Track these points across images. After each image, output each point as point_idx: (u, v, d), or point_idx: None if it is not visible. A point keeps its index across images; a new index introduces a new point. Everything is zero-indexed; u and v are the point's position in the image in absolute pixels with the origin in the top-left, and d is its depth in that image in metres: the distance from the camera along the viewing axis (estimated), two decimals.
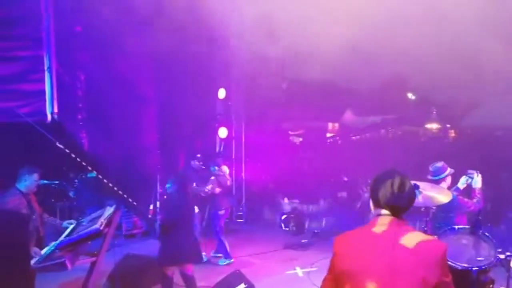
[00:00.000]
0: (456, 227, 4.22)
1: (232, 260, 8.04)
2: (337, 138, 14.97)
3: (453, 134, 13.83)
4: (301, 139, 14.14)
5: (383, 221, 2.52)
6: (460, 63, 8.30)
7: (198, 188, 7.95)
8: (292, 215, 10.32)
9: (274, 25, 8.97)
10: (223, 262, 8.01)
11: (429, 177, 5.21)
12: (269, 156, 11.15)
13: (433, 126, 13.65)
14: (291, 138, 13.93)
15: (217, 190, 8.01)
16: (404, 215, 2.55)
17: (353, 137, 14.86)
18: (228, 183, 8.15)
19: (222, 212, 8.05)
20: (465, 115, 12.38)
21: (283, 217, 10.45)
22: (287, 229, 10.26)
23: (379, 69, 8.93)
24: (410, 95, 13.03)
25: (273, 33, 9.23)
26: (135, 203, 8.91)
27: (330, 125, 14.92)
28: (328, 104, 11.77)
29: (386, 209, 2.51)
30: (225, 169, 8.39)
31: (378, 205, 2.54)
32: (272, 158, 11.14)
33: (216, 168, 8.22)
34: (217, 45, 10.12)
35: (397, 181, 2.53)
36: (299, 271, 7.66)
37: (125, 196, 8.45)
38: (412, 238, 2.49)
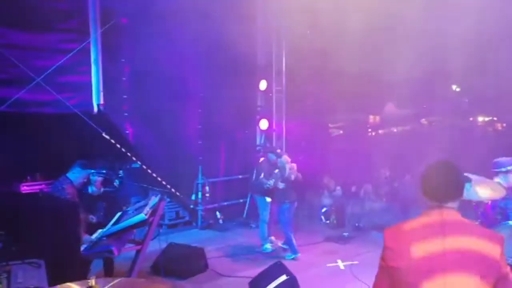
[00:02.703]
0: (510, 221, 4.06)
1: (298, 255, 7.95)
2: (378, 130, 14.73)
3: (500, 127, 13.38)
4: (341, 131, 13.97)
5: (435, 212, 2.46)
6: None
7: (262, 180, 8.05)
8: (333, 208, 10.24)
9: (316, 18, 8.92)
10: (289, 256, 7.94)
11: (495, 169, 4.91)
12: (309, 149, 11.09)
13: (479, 118, 13.26)
14: (331, 130, 13.79)
15: (281, 185, 7.93)
16: (457, 207, 2.49)
17: (395, 130, 14.59)
18: (293, 177, 7.96)
19: (286, 205, 7.95)
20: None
21: (324, 210, 10.38)
22: (327, 222, 10.19)
23: (421, 60, 8.76)
24: (455, 87, 12.69)
25: (315, 25, 9.18)
26: (177, 194, 9.06)
27: (371, 117, 14.68)
28: (369, 96, 11.60)
29: (433, 199, 2.46)
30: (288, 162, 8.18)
31: (426, 196, 2.51)
32: (313, 150, 11.07)
33: (274, 157, 8.21)
34: (259, 37, 10.17)
35: (440, 170, 2.51)
36: (340, 264, 7.60)
37: (168, 186, 8.60)
38: (469, 229, 2.43)
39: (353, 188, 11.01)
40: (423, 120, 14.20)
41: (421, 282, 2.34)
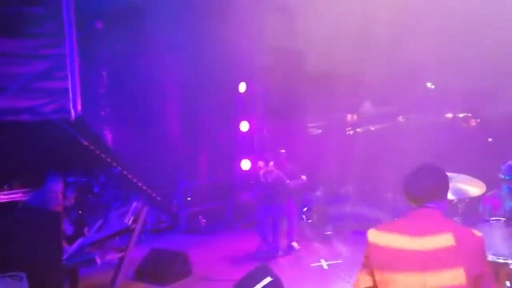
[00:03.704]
0: (491, 218, 4.16)
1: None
2: (356, 129, 14.86)
3: (474, 123, 13.62)
4: (320, 131, 14.06)
5: (419, 212, 2.53)
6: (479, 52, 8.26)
7: None
8: (314, 207, 10.29)
9: (293, 18, 8.97)
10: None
11: (501, 176, 4.89)
12: (290, 149, 11.11)
13: (454, 115, 13.47)
14: (310, 130, 13.86)
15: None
16: (442, 207, 2.55)
17: (372, 128, 14.74)
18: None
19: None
20: (487, 103, 12.24)
21: (305, 209, 10.42)
22: (309, 221, 10.23)
23: (397, 58, 8.89)
24: (429, 84, 12.87)
25: (292, 26, 9.22)
26: (159, 198, 9.00)
27: (349, 116, 14.79)
28: (347, 95, 11.71)
29: (415, 201, 2.55)
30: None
31: (409, 198, 2.60)
32: (294, 150, 11.10)
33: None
34: (237, 39, 10.13)
35: (422, 172, 2.60)
36: (324, 263, 7.64)
37: (149, 191, 8.54)
38: (449, 229, 2.49)
39: (335, 187, 11.08)
40: (400, 118, 14.39)
41: (402, 279, 2.42)
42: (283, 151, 8.78)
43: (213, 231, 9.74)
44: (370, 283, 2.59)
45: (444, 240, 2.43)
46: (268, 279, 5.92)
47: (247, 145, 10.25)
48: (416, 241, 2.45)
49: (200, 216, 9.88)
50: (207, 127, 9.73)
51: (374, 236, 2.62)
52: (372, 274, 2.57)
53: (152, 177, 8.85)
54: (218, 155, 10.46)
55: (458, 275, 2.35)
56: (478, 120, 13.29)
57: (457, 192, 4.04)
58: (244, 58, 10.30)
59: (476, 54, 8.47)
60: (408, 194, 2.59)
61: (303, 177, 8.48)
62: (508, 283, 3.70)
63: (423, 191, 2.55)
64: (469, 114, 13.41)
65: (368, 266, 2.60)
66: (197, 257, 7.84)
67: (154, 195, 8.67)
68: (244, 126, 10.48)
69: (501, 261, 3.70)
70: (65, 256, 5.35)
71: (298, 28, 9.14)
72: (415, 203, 2.57)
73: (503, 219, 4.07)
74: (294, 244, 8.40)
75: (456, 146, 10.18)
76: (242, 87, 10.54)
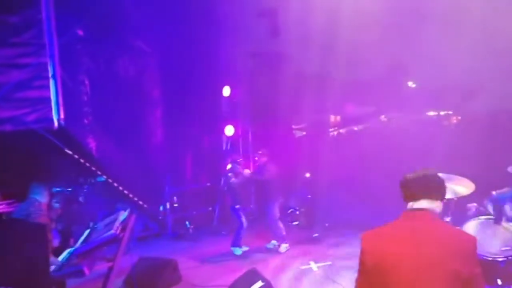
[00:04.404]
0: (481, 217, 4.20)
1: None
2: (340, 129, 14.93)
3: (455, 121, 13.79)
4: (304, 132, 14.10)
5: (410, 214, 2.56)
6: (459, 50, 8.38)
7: None
8: (302, 209, 10.29)
9: (275, 21, 9.00)
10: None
11: None
12: (276, 152, 11.11)
13: (436, 113, 13.62)
14: (294, 132, 13.89)
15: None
16: (437, 208, 2.57)
17: (355, 128, 14.83)
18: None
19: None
20: (467, 101, 12.41)
21: (290, 211, 10.40)
22: (297, 223, 10.23)
23: (378, 59, 8.97)
24: (411, 84, 12.99)
25: (274, 29, 9.25)
26: (145, 205, 8.91)
27: (332, 117, 14.86)
28: (329, 97, 11.76)
29: (409, 195, 2.61)
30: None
31: (405, 200, 2.64)
32: (280, 153, 11.10)
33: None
34: (220, 43, 10.11)
35: (417, 175, 2.64)
36: (313, 265, 7.63)
37: (135, 198, 8.45)
38: (441, 230, 2.53)
39: (322, 188, 11.09)
40: (383, 117, 14.50)
41: (395, 282, 2.44)
42: (260, 152, 8.77)
43: (201, 237, 9.68)
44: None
45: (436, 242, 2.46)
46: (259, 283, 5.89)
47: (232, 149, 10.20)
48: (409, 245, 2.47)
49: (187, 222, 9.81)
50: (192, 132, 9.68)
51: (367, 240, 2.64)
52: (369, 280, 2.57)
53: (137, 184, 8.76)
54: (204, 160, 10.42)
55: (450, 276, 2.36)
56: (459, 118, 13.49)
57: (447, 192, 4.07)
58: (228, 63, 10.30)
59: (456, 52, 8.57)
60: (404, 196, 2.64)
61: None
62: (499, 281, 3.74)
63: (419, 190, 2.60)
64: (450, 112, 13.60)
65: (364, 272, 2.59)
66: (186, 263, 7.82)
67: (140, 202, 8.58)
68: (229, 130, 10.45)
69: (491, 259, 3.74)
70: (52, 268, 5.25)
71: (280, 32, 9.17)
72: (410, 201, 2.60)
73: (492, 217, 4.12)
74: (273, 242, 8.57)
75: (439, 144, 10.31)
76: (226, 91, 10.51)
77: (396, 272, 2.46)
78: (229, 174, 8.50)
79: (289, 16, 9.13)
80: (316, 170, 11.11)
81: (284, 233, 8.48)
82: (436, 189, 2.63)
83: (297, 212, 10.30)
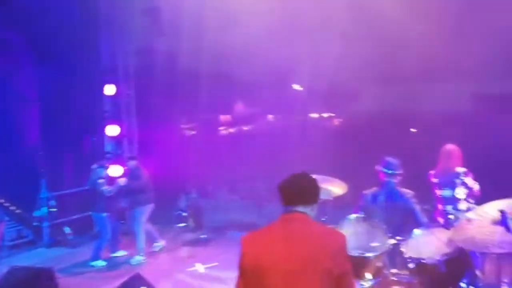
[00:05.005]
0: (352, 216, 4.45)
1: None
2: (230, 129, 15.09)
3: (336, 123, 14.60)
4: (193, 132, 14.02)
5: (286, 217, 2.64)
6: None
7: None
8: (189, 211, 10.19)
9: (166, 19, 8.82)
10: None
11: (384, 169, 5.13)
12: (163, 152, 10.88)
13: (319, 115, 14.29)
14: (183, 131, 13.76)
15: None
16: (312, 211, 2.66)
17: (245, 128, 15.09)
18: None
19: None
20: (347, 103, 13.22)
21: (180, 213, 10.26)
22: (184, 224, 10.11)
23: (269, 61, 9.19)
24: (296, 86, 13.49)
25: (164, 27, 9.06)
26: (18, 211, 8.25)
27: (222, 117, 14.97)
28: (220, 96, 11.82)
29: (286, 205, 2.66)
30: None
31: (282, 202, 2.69)
32: (167, 153, 10.89)
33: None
34: (102, 40, 9.66)
35: (294, 179, 2.72)
36: (199, 267, 7.58)
37: (7, 204, 7.81)
38: (313, 231, 2.64)
39: (210, 188, 11.11)
40: (270, 118, 14.91)
41: (270, 284, 2.49)
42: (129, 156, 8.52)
43: (82, 243, 9.11)
44: None
45: (309, 243, 2.55)
46: None
47: (116, 151, 9.75)
48: (283, 247, 2.53)
49: (66, 228, 9.21)
50: (71, 132, 9.12)
51: (246, 243, 2.68)
52: (247, 282, 2.60)
53: (8, 188, 8.06)
54: (85, 162, 9.83)
55: (323, 275, 2.45)
56: (341, 120, 14.30)
57: (322, 193, 4.25)
58: (111, 60, 9.87)
59: (339, 57, 9.03)
60: (281, 199, 2.69)
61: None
62: (368, 275, 3.98)
63: (294, 195, 2.66)
64: (333, 114, 14.37)
65: (243, 274, 2.62)
66: (64, 272, 7.39)
67: (12, 208, 7.91)
68: (112, 130, 9.95)
69: (359, 255, 3.97)
70: None
71: (171, 29, 9.01)
72: (286, 206, 2.66)
73: (362, 215, 4.38)
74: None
75: (320, 144, 10.83)
76: (110, 89, 10.01)
77: (271, 274, 2.50)
78: (100, 181, 7.80)
79: (176, 15, 9.00)
80: (205, 170, 11.09)
81: (144, 245, 8.07)
82: (310, 195, 2.72)
83: (185, 214, 10.18)
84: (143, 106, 10.53)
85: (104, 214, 7.82)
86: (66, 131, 9.03)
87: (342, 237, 2.63)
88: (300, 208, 2.64)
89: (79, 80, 9.05)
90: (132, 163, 8.27)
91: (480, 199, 5.07)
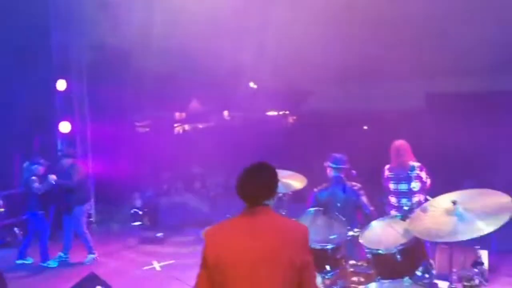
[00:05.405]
0: (311, 209, 4.53)
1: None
2: (185, 127, 15.00)
3: (291, 120, 14.81)
4: (147, 129, 13.85)
5: (248, 210, 2.63)
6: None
7: None
8: (145, 209, 10.06)
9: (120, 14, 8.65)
10: None
11: (331, 164, 5.31)
12: (117, 150, 10.65)
13: (274, 113, 14.45)
14: (137, 129, 13.56)
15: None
16: (271, 202, 2.68)
17: (200, 126, 15.04)
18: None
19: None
20: (302, 102, 13.44)
21: (135, 211, 10.11)
22: (139, 223, 9.97)
23: (223, 60, 9.20)
24: (252, 84, 13.57)
25: (117, 24, 8.88)
26: None
27: (177, 114, 14.86)
28: (175, 94, 11.74)
29: (245, 199, 2.62)
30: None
31: (243, 198, 2.64)
32: (121, 151, 10.68)
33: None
34: (53, 34, 9.36)
35: (249, 172, 2.67)
36: (156, 265, 7.53)
37: None
38: (276, 223, 2.65)
39: (165, 186, 10.99)
40: (226, 115, 14.94)
41: (233, 277, 2.49)
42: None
43: (33, 244, 8.80)
44: (209, 284, 2.59)
45: (271, 235, 2.55)
46: None
47: (68, 147, 9.44)
48: (245, 239, 2.53)
49: (16, 228, 8.87)
50: (20, 129, 8.78)
51: (210, 235, 2.65)
52: (209, 275, 2.58)
53: None
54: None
55: (285, 267, 2.49)
56: (295, 117, 14.51)
57: (282, 186, 4.31)
58: (63, 55, 9.57)
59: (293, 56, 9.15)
60: (242, 195, 2.63)
61: None
62: (328, 267, 4.08)
63: (257, 191, 2.62)
64: (288, 112, 14.57)
65: (206, 267, 2.60)
66: (14, 273, 7.17)
67: None
68: (65, 126, 9.67)
69: (319, 247, 4.06)
70: None
71: (124, 25, 8.84)
72: (250, 203, 2.62)
73: (321, 208, 4.48)
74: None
75: (277, 141, 10.97)
76: (62, 84, 9.71)
77: (234, 267, 2.50)
78: (33, 178, 7.54)
79: (133, 11, 8.86)
80: (160, 168, 10.98)
81: (91, 243, 7.86)
82: (273, 187, 2.69)
83: (140, 212, 10.04)
84: (97, 103, 10.27)
85: (40, 212, 7.65)
86: (15, 128, 8.68)
87: (305, 229, 2.66)
88: (263, 201, 2.63)
89: (29, 75, 8.72)
90: (67, 161, 7.95)
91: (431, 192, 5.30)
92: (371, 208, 5.22)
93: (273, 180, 2.71)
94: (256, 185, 2.64)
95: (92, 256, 7.79)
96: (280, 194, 4.53)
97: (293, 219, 3.70)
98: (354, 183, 5.32)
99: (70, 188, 7.66)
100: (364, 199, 5.25)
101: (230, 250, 2.54)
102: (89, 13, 8.91)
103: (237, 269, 2.49)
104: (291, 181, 4.80)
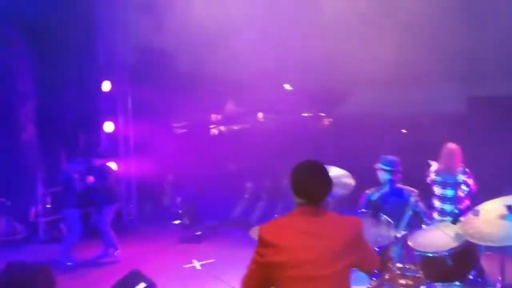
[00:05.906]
0: (360, 211, 4.54)
1: None
2: (220, 128, 15.11)
3: (327, 123, 14.74)
4: (185, 130, 14.02)
5: (308, 209, 2.59)
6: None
7: None
8: (185, 208, 10.20)
9: (160, 18, 8.84)
10: None
11: (382, 166, 5.21)
12: (158, 150, 10.86)
13: (310, 114, 14.40)
14: (175, 130, 13.75)
15: None
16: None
17: (235, 127, 15.13)
18: None
19: None
20: (337, 104, 13.36)
21: (175, 210, 10.28)
22: (179, 222, 10.12)
23: (260, 61, 9.27)
24: (287, 86, 13.58)
25: (159, 26, 9.08)
26: (13, 206, 8.19)
27: (213, 116, 14.98)
28: (212, 95, 11.86)
29: (311, 198, 2.58)
30: None
31: (300, 195, 2.60)
32: (162, 151, 10.88)
33: None
34: (99, 36, 9.62)
35: (311, 170, 2.64)
36: (196, 264, 7.62)
37: (2, 199, 7.75)
38: (336, 219, 2.66)
39: (204, 186, 11.11)
40: (260, 117, 14.99)
41: (299, 275, 2.47)
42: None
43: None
44: (259, 281, 2.60)
45: (338, 231, 2.58)
46: (142, 285, 5.73)
47: (112, 147, 9.70)
48: (315, 237, 2.53)
49: (61, 224, 9.16)
50: (67, 129, 9.07)
51: (267, 233, 2.58)
52: (265, 272, 2.56)
53: (4, 183, 7.99)
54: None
55: (351, 263, 2.57)
56: (331, 120, 14.44)
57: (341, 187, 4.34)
58: (109, 57, 9.83)
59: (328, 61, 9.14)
60: (307, 194, 2.60)
61: None
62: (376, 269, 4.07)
63: (323, 189, 2.62)
64: (323, 114, 14.51)
65: (260, 264, 2.56)
66: (61, 268, 7.34)
67: (8, 203, 7.84)
68: (109, 126, 9.94)
69: None
70: None
71: (165, 28, 9.02)
72: (314, 201, 2.59)
73: (370, 211, 4.48)
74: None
75: (312, 143, 10.94)
76: (106, 86, 9.99)
77: (298, 265, 2.48)
78: (74, 176, 7.67)
79: (174, 14, 9.03)
80: (199, 168, 11.09)
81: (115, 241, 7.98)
82: (331, 187, 2.67)
83: (180, 211, 10.20)
84: (139, 104, 10.50)
85: (76, 210, 7.78)
86: (62, 127, 8.96)
87: (360, 221, 2.72)
88: (326, 198, 2.62)
89: (75, 76, 9.01)
90: (98, 161, 8.05)
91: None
92: (430, 218, 5.06)
93: (330, 178, 2.69)
94: (322, 183, 2.63)
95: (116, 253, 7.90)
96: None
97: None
98: (411, 189, 5.16)
99: (99, 189, 7.80)
100: (421, 205, 5.07)
101: (294, 249, 2.50)
102: (133, 16, 9.13)
103: (302, 268, 2.47)
104: (346, 179, 4.80)
